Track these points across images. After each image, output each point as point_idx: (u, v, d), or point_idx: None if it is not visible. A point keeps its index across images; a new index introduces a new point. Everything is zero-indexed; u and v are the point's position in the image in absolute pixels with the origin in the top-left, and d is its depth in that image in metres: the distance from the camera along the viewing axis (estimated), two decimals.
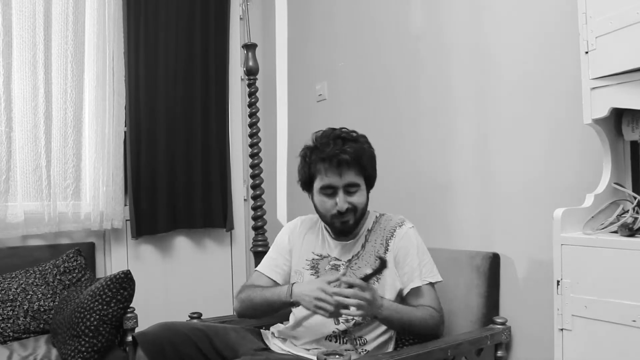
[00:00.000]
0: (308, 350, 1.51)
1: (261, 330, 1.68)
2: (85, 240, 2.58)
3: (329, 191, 1.50)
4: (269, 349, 1.57)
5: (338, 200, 1.48)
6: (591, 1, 1.16)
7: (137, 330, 1.94)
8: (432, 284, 1.52)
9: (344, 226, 1.52)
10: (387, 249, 1.53)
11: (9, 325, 2.03)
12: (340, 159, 1.47)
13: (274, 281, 1.62)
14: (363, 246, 1.57)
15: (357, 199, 1.51)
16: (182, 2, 2.80)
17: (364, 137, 1.58)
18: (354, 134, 1.55)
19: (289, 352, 1.54)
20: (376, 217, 1.62)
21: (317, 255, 1.61)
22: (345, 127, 1.58)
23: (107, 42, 2.58)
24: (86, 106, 2.58)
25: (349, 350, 1.48)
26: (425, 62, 2.03)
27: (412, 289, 1.50)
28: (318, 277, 1.55)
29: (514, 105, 1.69)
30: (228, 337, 1.55)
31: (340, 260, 1.57)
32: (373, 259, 1.53)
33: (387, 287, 1.51)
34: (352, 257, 1.56)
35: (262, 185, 2.68)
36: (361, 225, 1.59)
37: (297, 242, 1.65)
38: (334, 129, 1.56)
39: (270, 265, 1.65)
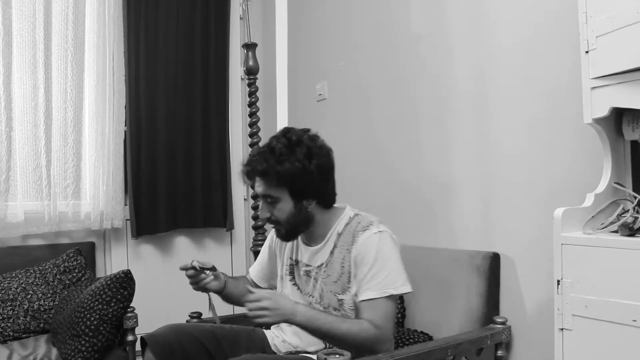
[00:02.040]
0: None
1: (264, 330, 1.68)
2: (85, 239, 2.58)
3: (258, 198, 1.51)
4: (273, 352, 1.57)
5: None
6: (591, 1, 1.16)
7: (137, 330, 1.95)
8: (385, 297, 1.35)
9: (279, 234, 1.51)
10: (350, 256, 1.42)
11: (9, 324, 2.03)
12: (244, 170, 1.48)
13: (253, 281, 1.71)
14: (332, 252, 1.46)
15: (276, 211, 1.44)
16: (182, 2, 2.80)
17: (298, 145, 1.41)
18: (286, 146, 1.41)
19: (290, 348, 1.54)
20: (349, 218, 1.48)
21: (293, 260, 1.56)
22: (292, 131, 1.46)
23: (107, 41, 2.58)
24: (86, 106, 2.59)
25: None
26: (426, 61, 2.03)
27: (360, 301, 1.38)
28: (295, 283, 1.54)
29: (515, 104, 1.69)
30: (236, 339, 1.56)
31: (311, 266, 1.50)
32: (339, 267, 1.43)
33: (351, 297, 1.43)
34: (321, 264, 1.47)
35: None
36: (329, 228, 1.48)
37: (279, 248, 1.64)
38: (276, 137, 1.46)
39: (255, 267, 1.74)
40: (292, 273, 1.56)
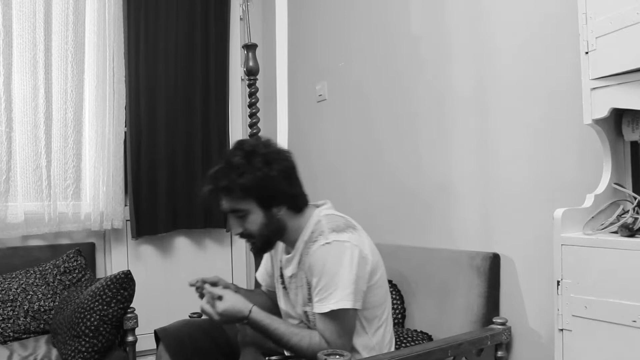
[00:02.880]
0: None
1: None
2: (85, 240, 2.58)
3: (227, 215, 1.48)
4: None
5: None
6: (591, 1, 1.17)
7: (137, 330, 1.95)
8: (332, 312, 1.31)
9: (254, 248, 1.48)
10: (305, 267, 1.40)
11: (9, 325, 2.03)
12: (206, 190, 1.42)
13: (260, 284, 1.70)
14: (299, 262, 1.43)
15: (247, 224, 1.41)
16: (183, 2, 2.80)
17: (251, 155, 1.38)
18: (242, 157, 1.38)
19: None
20: (315, 223, 1.43)
21: (281, 265, 1.55)
22: (246, 143, 1.44)
23: (107, 42, 2.58)
24: (86, 106, 2.59)
25: None
26: (426, 62, 2.03)
27: (313, 313, 1.37)
28: (285, 287, 1.53)
29: (514, 105, 1.69)
30: (244, 334, 1.57)
31: (286, 275, 1.50)
32: (303, 278, 1.41)
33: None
34: (292, 275, 1.46)
35: None
36: (299, 234, 1.44)
37: (274, 252, 1.62)
38: (231, 151, 1.44)
39: (261, 272, 1.70)
40: (282, 277, 1.54)
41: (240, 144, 1.44)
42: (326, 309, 1.30)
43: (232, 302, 1.35)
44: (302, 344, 1.33)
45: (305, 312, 1.42)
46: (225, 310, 1.34)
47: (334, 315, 1.31)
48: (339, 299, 1.30)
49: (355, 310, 1.33)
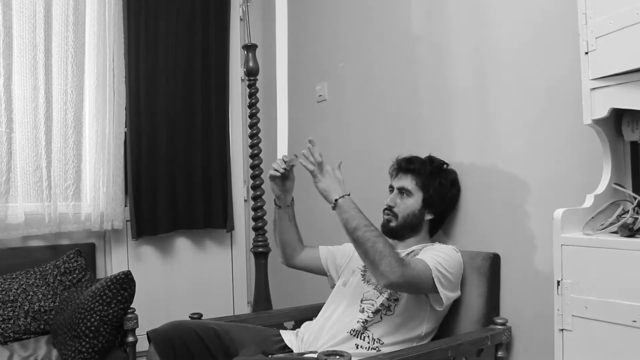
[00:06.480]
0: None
1: (280, 330, 1.70)
2: (85, 241, 2.58)
3: (390, 190, 1.75)
4: (277, 351, 1.59)
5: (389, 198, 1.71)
6: (591, 1, 1.16)
7: (137, 331, 1.95)
8: (430, 268, 1.47)
9: (387, 224, 1.68)
10: (420, 251, 1.60)
11: (9, 326, 2.04)
12: (400, 164, 1.72)
13: (319, 251, 1.85)
14: (408, 254, 1.63)
15: (402, 204, 1.67)
16: (182, 3, 2.81)
17: (448, 171, 1.76)
18: (441, 164, 1.75)
19: (303, 351, 1.56)
20: (433, 244, 1.68)
21: None
22: (438, 159, 1.78)
23: (107, 43, 2.59)
24: (86, 107, 2.59)
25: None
26: (425, 62, 2.03)
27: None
28: (364, 276, 1.67)
29: (514, 105, 1.69)
30: (238, 336, 1.59)
31: None
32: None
33: None
34: None
35: (263, 186, 2.67)
36: (416, 244, 1.68)
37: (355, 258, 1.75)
38: (430, 157, 1.77)
39: (327, 247, 1.86)
40: (365, 273, 1.67)
41: (434, 158, 1.76)
42: (430, 262, 1.48)
43: (339, 176, 1.53)
44: (386, 246, 1.42)
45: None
46: (331, 173, 1.52)
47: (427, 268, 1.47)
48: (431, 259, 1.50)
49: (432, 277, 1.47)
